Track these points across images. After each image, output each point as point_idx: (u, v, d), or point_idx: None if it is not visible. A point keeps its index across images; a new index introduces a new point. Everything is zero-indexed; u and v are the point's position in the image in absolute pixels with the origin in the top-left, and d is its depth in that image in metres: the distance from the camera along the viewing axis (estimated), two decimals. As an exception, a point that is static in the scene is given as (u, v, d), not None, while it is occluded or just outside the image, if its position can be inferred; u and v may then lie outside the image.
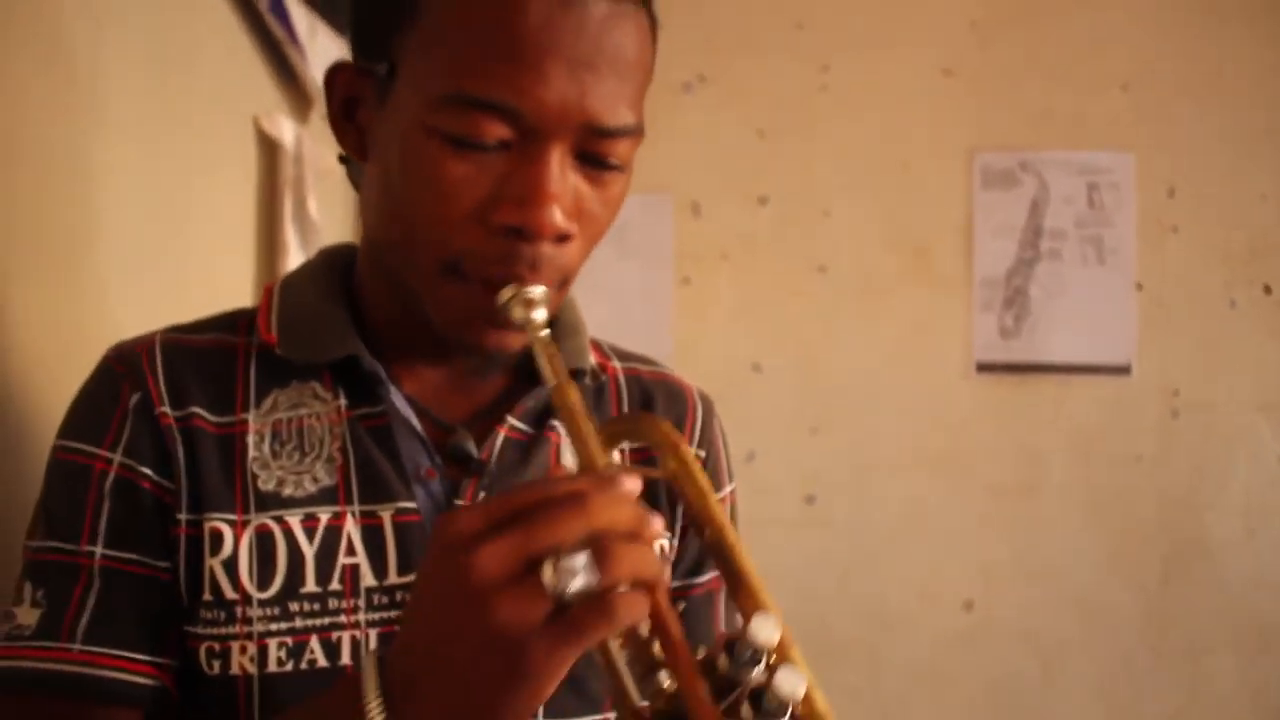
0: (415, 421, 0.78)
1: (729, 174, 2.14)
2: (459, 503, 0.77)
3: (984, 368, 2.13)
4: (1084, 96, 2.13)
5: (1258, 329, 2.10)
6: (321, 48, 1.86)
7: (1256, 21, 2.11)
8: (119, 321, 1.22)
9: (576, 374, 0.84)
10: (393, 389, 0.79)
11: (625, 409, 0.87)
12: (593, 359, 0.85)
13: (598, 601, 0.52)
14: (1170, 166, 2.12)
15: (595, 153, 0.70)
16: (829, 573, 2.08)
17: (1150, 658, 2.09)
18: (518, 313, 0.70)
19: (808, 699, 0.53)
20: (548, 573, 0.51)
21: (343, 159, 0.88)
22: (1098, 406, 2.12)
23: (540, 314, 0.69)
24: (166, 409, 0.75)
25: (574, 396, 0.65)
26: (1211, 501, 2.10)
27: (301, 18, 1.77)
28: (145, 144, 1.29)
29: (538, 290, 0.70)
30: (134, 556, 0.73)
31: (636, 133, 0.71)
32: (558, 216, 0.69)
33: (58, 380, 1.07)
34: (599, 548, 0.52)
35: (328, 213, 1.92)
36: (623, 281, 2.13)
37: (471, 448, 0.79)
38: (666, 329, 2.16)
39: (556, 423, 0.82)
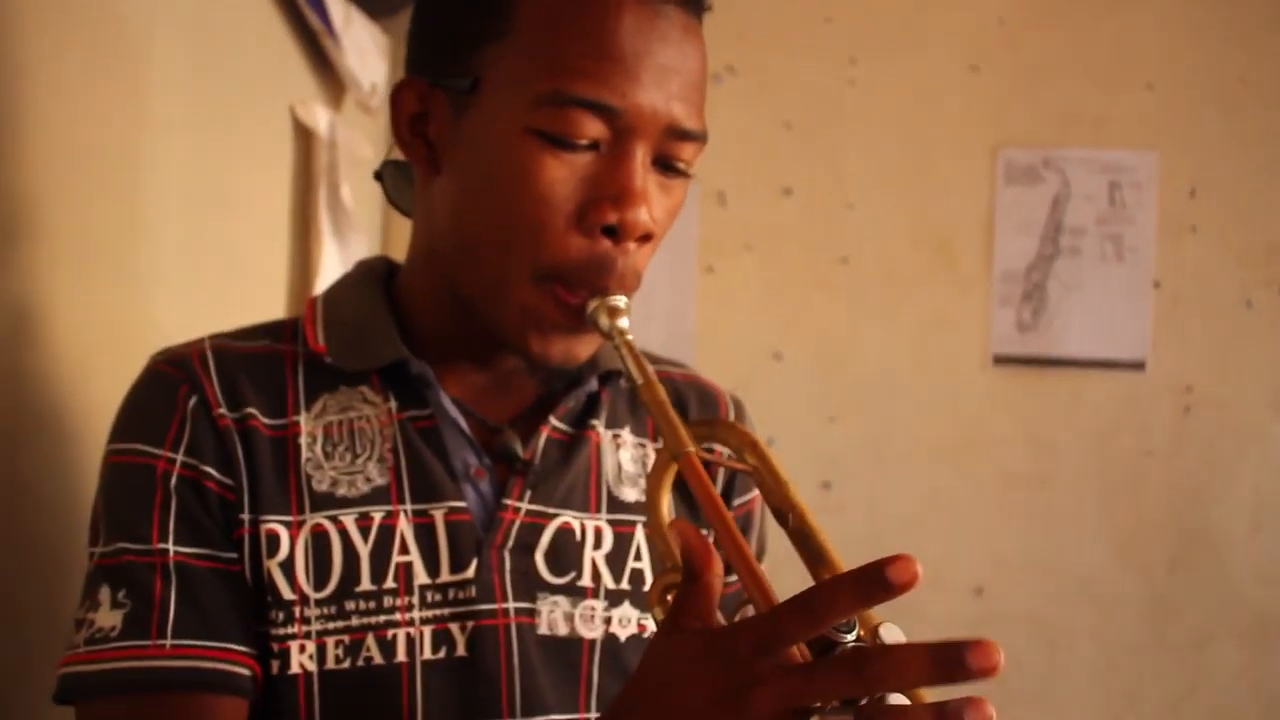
0: (463, 422, 0.82)
1: (755, 165, 2.16)
2: (506, 501, 0.81)
3: (1001, 360, 2.16)
4: (1109, 95, 2.14)
5: (1272, 329, 2.12)
6: (355, 36, 1.88)
7: None
8: (162, 312, 1.27)
9: (615, 375, 0.88)
10: (440, 391, 0.82)
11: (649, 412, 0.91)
12: None
13: None
14: (1193, 167, 2.13)
15: (669, 154, 0.75)
16: (844, 557, 2.12)
17: (1155, 646, 2.13)
18: (604, 320, 0.74)
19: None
20: None
21: (377, 175, 0.91)
22: (1111, 401, 2.15)
23: (624, 321, 0.74)
24: (224, 410, 0.78)
25: (661, 393, 0.69)
26: (1220, 497, 2.13)
27: (337, 7, 1.79)
28: (188, 136, 1.32)
29: (621, 300, 0.75)
30: (205, 551, 0.76)
31: (704, 139, 0.77)
32: (645, 214, 0.74)
33: (104, 373, 1.12)
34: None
35: (359, 200, 1.95)
36: (648, 269, 2.16)
37: (517, 447, 0.82)
38: (690, 316, 2.19)
39: (596, 422, 0.87)
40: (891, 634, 0.53)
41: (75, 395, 1.08)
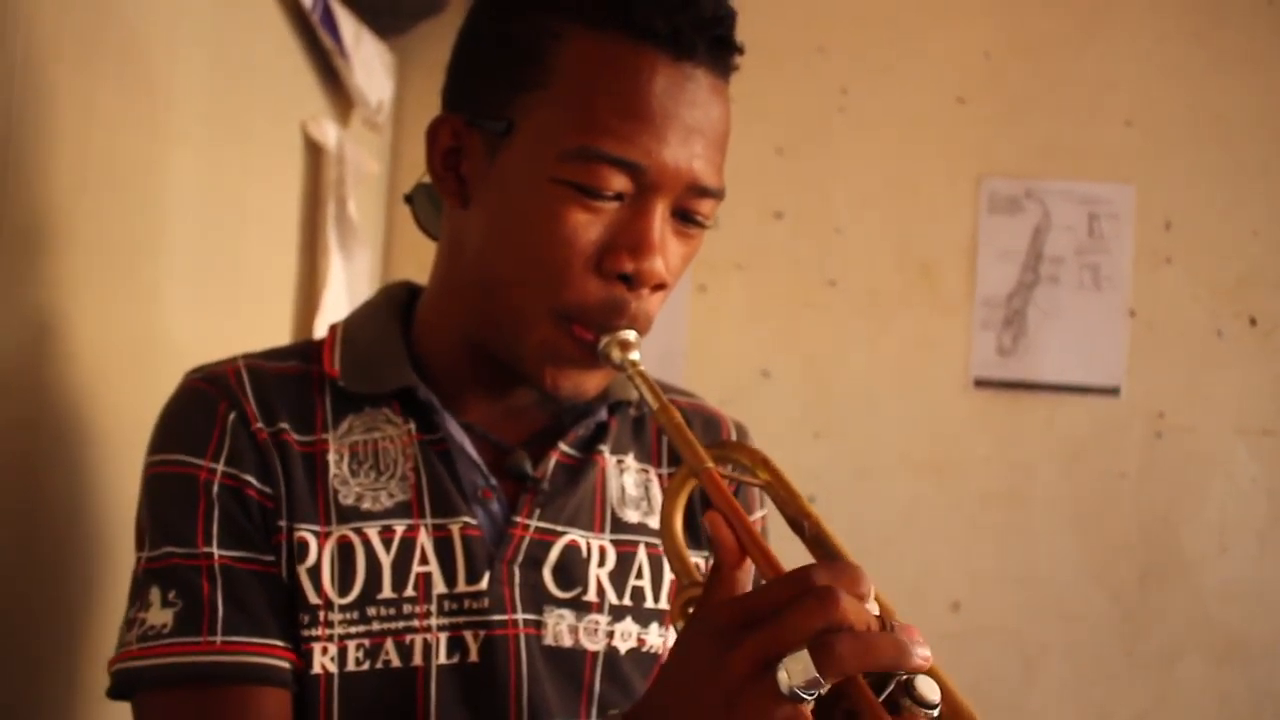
0: (469, 447, 0.87)
1: (747, 188, 2.22)
2: (516, 519, 0.85)
3: (981, 383, 2.22)
4: (1089, 129, 2.21)
5: (1241, 358, 2.19)
6: (364, 55, 1.94)
7: (1258, 65, 2.18)
8: (177, 323, 1.31)
9: (623, 404, 0.94)
10: (448, 417, 0.86)
11: (662, 441, 0.96)
12: (634, 394, 0.94)
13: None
14: (1168, 200, 2.19)
15: (688, 209, 0.80)
16: (825, 570, 2.17)
17: (1125, 662, 2.19)
18: (616, 354, 0.79)
19: (949, 695, 0.60)
20: (781, 674, 0.55)
21: (408, 198, 0.95)
22: (1087, 425, 2.21)
23: (635, 355, 0.79)
24: (261, 425, 0.83)
25: (677, 416, 0.74)
26: (1189, 518, 2.19)
27: (349, 27, 1.85)
28: (205, 151, 1.38)
29: (632, 334, 0.80)
30: (246, 554, 0.80)
31: (722, 195, 0.82)
32: (660, 265, 0.79)
33: (122, 381, 1.17)
34: (820, 646, 0.55)
35: (364, 215, 2.00)
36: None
37: (528, 466, 0.87)
38: (682, 333, 2.25)
39: (603, 448, 0.91)
40: (926, 684, 0.58)
41: (94, 402, 1.12)
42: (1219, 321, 2.20)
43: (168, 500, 0.81)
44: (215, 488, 0.80)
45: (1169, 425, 2.20)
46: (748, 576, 0.63)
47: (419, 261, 2.29)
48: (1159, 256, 2.20)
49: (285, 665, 0.79)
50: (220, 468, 0.81)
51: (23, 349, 1.00)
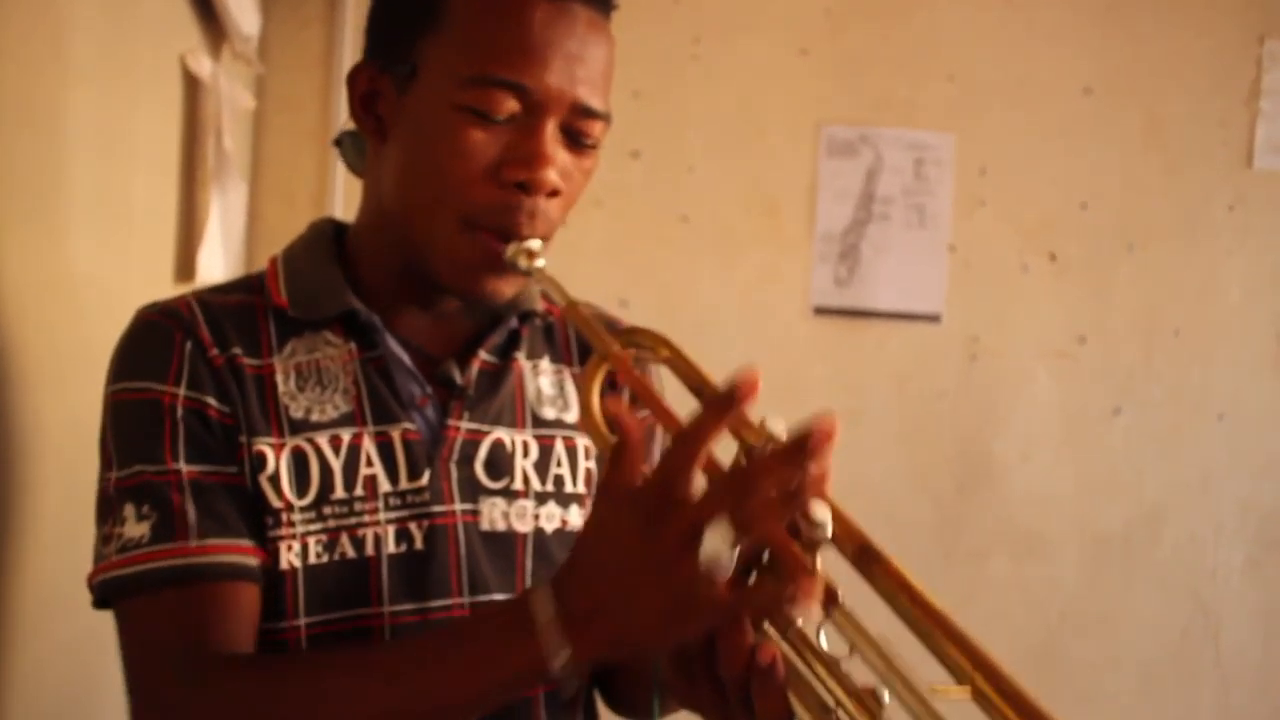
0: (407, 360, 0.95)
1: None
2: (449, 421, 0.94)
3: (820, 311, 2.43)
4: (917, 83, 2.41)
5: (1043, 290, 2.45)
6: (237, -11, 1.96)
7: (1062, 36, 2.43)
8: (79, 259, 1.34)
9: (531, 314, 1.02)
10: (387, 334, 0.94)
11: (571, 343, 1.06)
12: (541, 305, 1.04)
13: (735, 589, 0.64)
14: (984, 149, 2.43)
15: (577, 129, 0.89)
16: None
17: (943, 563, 2.44)
18: (523, 262, 0.88)
19: (840, 516, 0.68)
20: (707, 543, 0.63)
21: (337, 142, 1.02)
22: (911, 349, 2.43)
23: (540, 261, 0.88)
24: (217, 352, 0.89)
25: (584, 310, 0.85)
26: (997, 432, 2.45)
27: (223, -39, 1.87)
28: (97, 86, 1.40)
29: (536, 243, 0.88)
30: (212, 468, 0.86)
31: (607, 119, 0.91)
32: (552, 174, 0.87)
33: (26, 314, 1.19)
34: (739, 523, 0.63)
35: (235, 149, 2.02)
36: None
37: (456, 374, 0.96)
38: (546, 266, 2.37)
39: (518, 354, 1.00)
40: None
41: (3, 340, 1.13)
42: (1024, 257, 2.45)
43: (134, 423, 0.87)
44: (179, 410, 0.86)
45: (982, 349, 2.45)
46: (644, 448, 0.71)
47: (286, 195, 2.34)
48: (975, 199, 2.44)
49: (254, 562, 0.86)
50: (182, 392, 0.87)
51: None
